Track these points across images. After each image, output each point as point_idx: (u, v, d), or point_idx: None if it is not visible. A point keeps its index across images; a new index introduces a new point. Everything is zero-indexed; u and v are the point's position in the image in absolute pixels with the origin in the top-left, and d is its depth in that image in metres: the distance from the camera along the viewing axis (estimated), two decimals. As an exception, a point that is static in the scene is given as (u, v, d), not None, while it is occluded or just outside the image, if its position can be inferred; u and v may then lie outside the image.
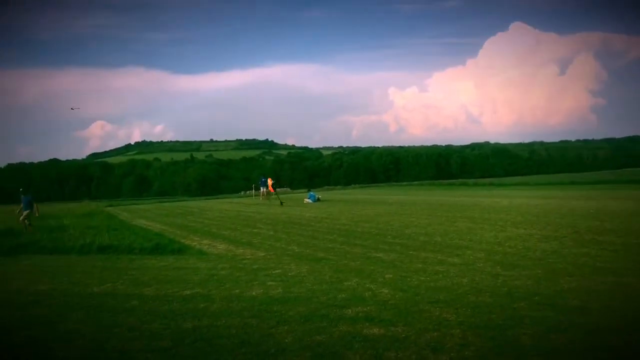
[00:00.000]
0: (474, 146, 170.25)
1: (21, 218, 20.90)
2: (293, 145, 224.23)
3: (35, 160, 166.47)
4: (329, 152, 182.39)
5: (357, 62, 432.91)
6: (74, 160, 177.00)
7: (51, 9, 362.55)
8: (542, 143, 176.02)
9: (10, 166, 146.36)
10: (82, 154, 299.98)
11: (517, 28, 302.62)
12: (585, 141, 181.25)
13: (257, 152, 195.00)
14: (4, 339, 6.65)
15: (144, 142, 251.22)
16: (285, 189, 70.79)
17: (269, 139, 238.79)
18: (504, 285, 8.45)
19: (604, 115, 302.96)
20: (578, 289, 8.03)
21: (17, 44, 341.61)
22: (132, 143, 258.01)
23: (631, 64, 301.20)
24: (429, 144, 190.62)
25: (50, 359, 5.97)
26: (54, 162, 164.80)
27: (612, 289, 8.09)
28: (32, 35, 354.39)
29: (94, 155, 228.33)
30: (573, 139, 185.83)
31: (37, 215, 21.66)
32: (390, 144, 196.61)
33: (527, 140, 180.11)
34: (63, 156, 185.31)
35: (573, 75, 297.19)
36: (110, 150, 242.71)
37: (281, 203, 30.26)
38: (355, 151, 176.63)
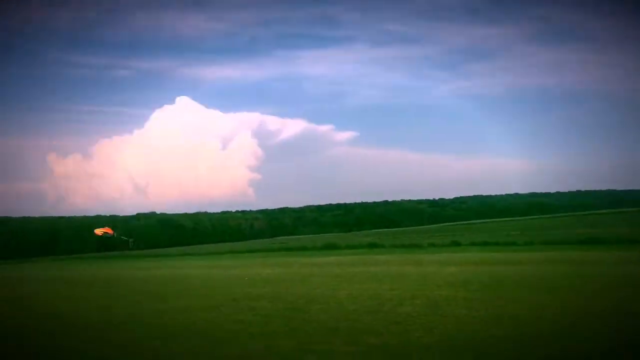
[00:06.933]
0: (139, 216, 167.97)
1: None
2: None
3: None
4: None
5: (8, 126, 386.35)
6: None
7: None
8: (205, 213, 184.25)
9: None
10: None
11: (183, 102, 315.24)
12: (244, 212, 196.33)
13: None
14: None
15: None
16: None
17: None
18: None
19: (259, 189, 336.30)
20: (240, 356, 8.51)
21: None
22: None
23: (281, 144, 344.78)
24: (92, 214, 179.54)
25: None
26: None
27: (263, 355, 8.82)
28: None
29: None
30: (234, 210, 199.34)
31: None
32: (48, 215, 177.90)
33: (191, 211, 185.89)
34: None
35: (234, 151, 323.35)
36: None
37: None
38: (5, 221, 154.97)
